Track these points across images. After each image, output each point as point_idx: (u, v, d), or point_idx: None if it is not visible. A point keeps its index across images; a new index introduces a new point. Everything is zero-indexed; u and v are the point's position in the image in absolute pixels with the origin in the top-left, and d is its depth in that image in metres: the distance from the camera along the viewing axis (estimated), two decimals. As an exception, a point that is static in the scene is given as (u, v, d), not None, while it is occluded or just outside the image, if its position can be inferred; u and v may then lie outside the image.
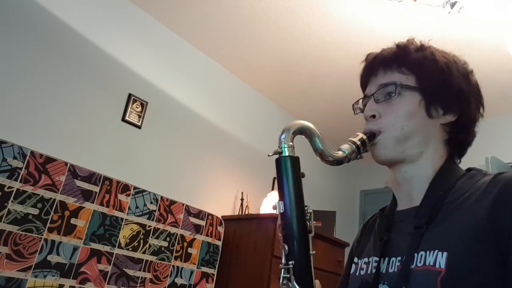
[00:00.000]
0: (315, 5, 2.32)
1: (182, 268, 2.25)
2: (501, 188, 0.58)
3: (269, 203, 2.75)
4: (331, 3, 2.28)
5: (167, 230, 2.22)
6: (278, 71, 3.03)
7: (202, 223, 2.40)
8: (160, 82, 2.60)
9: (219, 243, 2.46)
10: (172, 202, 2.28)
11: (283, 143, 0.65)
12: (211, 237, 2.43)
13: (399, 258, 0.65)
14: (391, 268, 0.65)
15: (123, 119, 2.34)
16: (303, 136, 0.67)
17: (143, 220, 2.12)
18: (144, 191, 2.16)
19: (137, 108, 2.41)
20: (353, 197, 4.22)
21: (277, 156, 0.65)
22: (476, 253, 0.55)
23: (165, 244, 2.20)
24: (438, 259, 0.57)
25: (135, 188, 2.12)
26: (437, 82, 0.70)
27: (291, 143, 0.65)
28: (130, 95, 2.39)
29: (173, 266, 2.21)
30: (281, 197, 0.63)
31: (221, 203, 2.81)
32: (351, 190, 4.18)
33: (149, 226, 2.14)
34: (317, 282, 0.67)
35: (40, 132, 1.98)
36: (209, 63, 2.97)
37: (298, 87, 3.22)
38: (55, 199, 1.81)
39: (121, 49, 2.41)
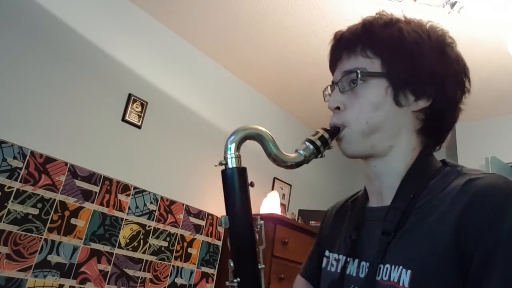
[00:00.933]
0: (315, 5, 2.32)
1: (182, 268, 2.25)
2: (467, 204, 0.52)
3: (269, 203, 2.75)
4: (331, 3, 2.28)
5: (167, 230, 2.22)
6: (278, 72, 3.04)
7: (202, 223, 2.40)
8: (160, 82, 2.60)
9: (219, 243, 2.46)
10: (172, 202, 2.28)
11: (228, 153, 0.61)
12: (211, 237, 2.43)
13: (365, 263, 0.62)
14: (361, 273, 0.62)
15: (123, 119, 2.34)
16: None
17: (143, 220, 2.12)
18: (144, 191, 2.16)
19: (137, 108, 2.41)
20: (353, 197, 4.21)
21: (222, 167, 0.61)
22: (441, 274, 0.51)
23: (165, 244, 2.20)
24: (402, 276, 0.53)
25: (135, 188, 2.12)
26: (404, 65, 0.62)
27: (237, 153, 0.61)
28: (130, 95, 2.39)
29: (173, 266, 2.21)
30: (227, 211, 0.59)
31: (221, 203, 2.80)
32: (351, 190, 4.17)
33: (149, 226, 2.14)
34: None
35: (40, 132, 1.98)
36: (209, 63, 2.97)
37: (298, 87, 3.22)
38: (55, 199, 1.81)
39: (121, 49, 2.41)
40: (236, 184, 0.60)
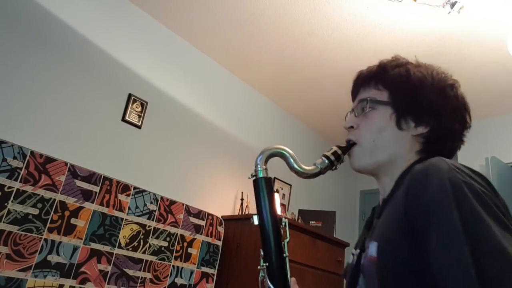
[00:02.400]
0: (315, 5, 2.32)
1: (182, 268, 2.25)
2: (408, 181, 0.63)
3: (269, 203, 2.75)
4: (331, 3, 2.28)
5: (167, 230, 2.22)
6: (278, 71, 3.03)
7: (202, 223, 2.40)
8: (160, 82, 2.60)
9: (219, 243, 2.46)
10: (172, 202, 2.28)
11: (258, 166, 0.78)
12: (211, 237, 2.43)
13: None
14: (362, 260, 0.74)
15: (123, 119, 2.34)
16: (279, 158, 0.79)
17: (143, 220, 2.12)
18: (144, 191, 2.16)
19: (137, 108, 2.41)
20: (353, 197, 4.22)
21: (254, 178, 0.78)
22: (399, 242, 0.60)
23: (165, 244, 2.20)
24: (373, 249, 0.64)
25: (135, 188, 2.12)
26: (407, 96, 0.75)
27: (264, 166, 0.78)
28: (130, 95, 2.39)
29: (173, 266, 2.21)
30: (258, 211, 0.76)
31: (221, 203, 2.81)
32: (351, 190, 4.18)
33: (149, 226, 2.14)
34: (292, 280, 0.75)
35: (40, 132, 1.98)
36: (209, 63, 2.97)
37: (298, 87, 3.22)
38: (55, 199, 1.81)
39: (121, 49, 2.41)
40: (264, 191, 0.77)
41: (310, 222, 3.10)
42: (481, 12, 2.17)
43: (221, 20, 2.55)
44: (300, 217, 3.17)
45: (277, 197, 2.85)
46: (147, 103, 2.47)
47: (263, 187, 0.77)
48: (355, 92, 0.86)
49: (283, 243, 0.74)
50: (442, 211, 0.55)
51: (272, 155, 0.79)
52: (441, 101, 0.75)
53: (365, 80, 0.82)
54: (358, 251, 0.78)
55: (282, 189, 3.29)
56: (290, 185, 3.40)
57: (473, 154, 3.13)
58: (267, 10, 2.42)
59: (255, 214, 0.76)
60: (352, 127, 0.80)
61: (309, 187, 3.61)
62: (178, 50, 2.76)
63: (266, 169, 0.79)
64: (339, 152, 0.78)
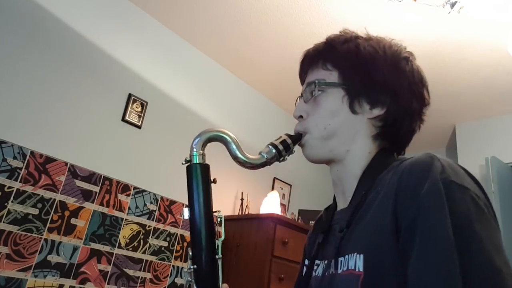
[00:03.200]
0: (315, 5, 2.32)
1: (182, 268, 2.25)
2: (397, 181, 0.55)
3: (269, 203, 2.75)
4: (331, 3, 2.28)
5: (167, 230, 2.22)
6: (278, 71, 3.04)
7: (202, 223, 2.41)
8: (160, 82, 2.60)
9: (219, 243, 2.46)
10: (172, 202, 2.28)
11: (194, 150, 0.68)
12: (211, 237, 2.43)
13: (326, 262, 0.65)
14: (319, 273, 0.66)
15: (123, 119, 2.34)
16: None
17: (143, 220, 2.12)
18: (144, 191, 2.16)
19: (137, 108, 2.41)
20: (353, 197, 4.21)
21: (187, 163, 0.68)
22: (388, 252, 0.52)
23: (165, 244, 2.20)
24: (357, 262, 0.56)
25: (135, 188, 2.12)
26: (359, 76, 0.67)
27: (201, 151, 0.68)
28: (130, 95, 2.39)
29: (173, 266, 2.21)
30: (189, 203, 0.66)
31: (221, 203, 2.81)
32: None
33: (149, 226, 2.14)
34: (224, 286, 0.67)
35: (40, 132, 1.98)
36: (209, 63, 2.97)
37: (298, 88, 3.22)
38: (55, 199, 1.81)
39: (121, 49, 2.41)
40: (198, 179, 0.67)
41: (310, 222, 3.10)
42: (481, 12, 2.17)
43: (221, 20, 2.55)
44: (300, 217, 3.17)
45: (276, 197, 2.85)
46: (147, 103, 2.47)
47: (198, 175, 0.67)
48: (303, 75, 0.77)
49: (216, 242, 0.64)
50: (431, 214, 0.48)
51: (210, 139, 0.69)
52: (396, 78, 0.67)
53: (312, 60, 0.74)
54: (321, 262, 0.69)
55: (282, 189, 3.29)
56: (290, 185, 3.40)
57: (473, 154, 3.13)
58: (267, 10, 2.42)
59: (187, 206, 0.66)
60: (301, 116, 0.72)
61: (309, 187, 3.61)
62: (178, 50, 2.76)
63: (203, 155, 0.68)
64: (289, 141, 0.69)
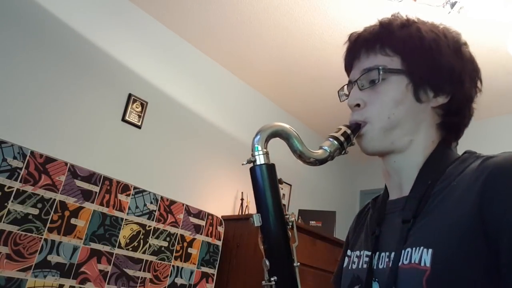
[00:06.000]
0: (315, 5, 2.32)
1: (182, 268, 2.25)
2: (487, 178, 0.52)
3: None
4: (331, 3, 2.28)
5: (167, 230, 2.22)
6: (278, 72, 3.03)
7: (202, 223, 2.40)
8: (160, 82, 2.60)
9: (219, 243, 2.46)
10: (172, 202, 2.28)
11: (257, 149, 0.60)
12: (211, 237, 2.43)
13: (387, 253, 0.61)
14: (381, 264, 0.62)
15: (123, 119, 2.34)
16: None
17: (143, 220, 2.12)
18: (144, 191, 2.16)
19: (137, 108, 2.41)
20: (353, 197, 4.22)
21: (251, 165, 0.60)
22: (464, 250, 0.50)
23: (165, 244, 2.20)
24: (424, 256, 0.53)
25: (135, 188, 2.12)
26: (424, 63, 0.64)
27: (265, 149, 0.60)
28: (130, 95, 2.39)
29: (173, 266, 2.21)
30: (258, 209, 0.58)
31: (221, 203, 2.81)
32: (351, 190, 4.18)
33: (149, 226, 2.14)
34: None
35: (40, 132, 1.98)
36: (209, 63, 2.97)
37: (299, 87, 3.22)
38: (55, 199, 1.81)
39: (121, 49, 2.41)
40: (266, 181, 0.58)
41: (310, 222, 3.10)
42: (481, 12, 2.17)
43: (221, 20, 2.55)
44: (300, 217, 3.17)
45: (277, 197, 2.85)
46: (147, 103, 2.47)
47: (265, 176, 0.58)
48: (352, 59, 0.71)
49: (292, 249, 0.57)
50: None
51: (273, 134, 0.61)
52: (459, 64, 0.64)
53: (367, 44, 0.68)
54: (364, 252, 0.68)
55: (282, 189, 3.28)
56: (290, 185, 3.40)
57: (473, 154, 3.13)
58: (267, 10, 2.42)
59: (254, 214, 0.59)
60: (358, 105, 0.66)
61: (309, 187, 3.61)
62: (178, 50, 2.76)
63: (267, 153, 0.60)
64: (349, 132, 0.64)
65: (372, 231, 0.68)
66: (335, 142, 0.63)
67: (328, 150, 0.62)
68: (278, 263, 0.56)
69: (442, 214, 0.55)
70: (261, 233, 0.58)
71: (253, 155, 0.60)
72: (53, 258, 1.76)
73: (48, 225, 1.76)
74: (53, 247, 1.77)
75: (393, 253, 0.59)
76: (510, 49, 2.20)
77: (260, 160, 0.59)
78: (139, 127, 2.41)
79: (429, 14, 2.21)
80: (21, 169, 1.73)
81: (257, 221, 0.58)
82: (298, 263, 0.57)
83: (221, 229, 2.49)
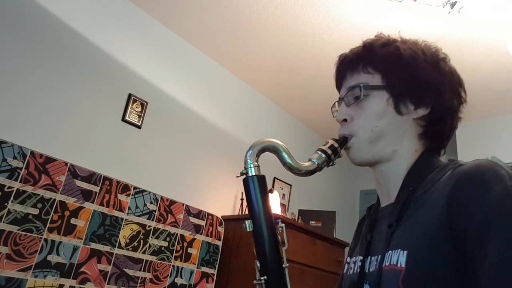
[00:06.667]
0: (315, 5, 2.32)
1: (182, 268, 2.25)
2: (454, 184, 0.56)
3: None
4: (331, 3, 2.28)
5: (167, 230, 2.22)
6: (278, 71, 3.04)
7: (202, 223, 2.40)
8: (160, 82, 2.60)
9: (219, 243, 2.46)
10: (172, 202, 2.28)
11: (249, 162, 0.68)
12: (211, 237, 2.43)
13: (376, 257, 0.66)
14: (371, 268, 0.67)
15: (123, 119, 2.34)
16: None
17: (143, 220, 2.12)
18: (144, 191, 2.16)
19: (137, 108, 2.41)
20: (353, 197, 4.22)
21: (244, 176, 0.68)
22: (435, 251, 0.54)
23: (165, 244, 2.20)
24: (400, 258, 0.57)
25: (135, 188, 2.12)
26: (403, 77, 0.69)
27: (256, 163, 0.68)
28: (130, 95, 2.39)
29: (173, 266, 2.21)
30: (250, 215, 0.66)
31: (221, 203, 2.81)
32: (351, 190, 4.18)
33: (149, 226, 2.14)
34: None
35: (40, 132, 1.98)
36: (209, 63, 2.97)
37: (299, 88, 3.22)
38: (55, 199, 1.81)
39: (121, 49, 2.41)
40: (257, 191, 0.66)
41: (310, 222, 3.11)
42: (481, 12, 2.17)
43: (221, 20, 2.55)
44: (300, 217, 3.17)
45: (276, 197, 2.85)
46: (147, 103, 2.47)
47: (256, 186, 0.66)
48: (340, 79, 0.78)
49: (280, 251, 0.64)
50: (510, 218, 0.49)
51: (263, 149, 0.69)
52: (438, 77, 0.70)
53: (351, 64, 0.74)
54: (358, 258, 0.72)
55: (282, 189, 3.29)
56: (290, 185, 3.40)
57: (473, 154, 3.13)
58: (267, 10, 2.42)
59: (247, 219, 0.67)
60: (345, 120, 0.72)
61: (309, 187, 3.61)
62: (178, 50, 2.76)
63: (258, 166, 0.68)
64: (336, 145, 0.70)
65: (365, 237, 0.73)
66: (323, 155, 0.69)
67: (316, 162, 0.69)
68: (268, 264, 0.63)
69: (419, 218, 0.60)
70: (253, 237, 0.65)
71: (245, 168, 0.68)
72: (53, 258, 1.76)
73: (48, 225, 1.76)
74: (53, 247, 1.77)
75: (379, 256, 0.64)
76: (510, 49, 2.20)
77: (252, 172, 0.68)
78: (139, 127, 2.41)
79: (429, 14, 2.21)
80: (21, 169, 1.73)
81: (249, 226, 0.66)
82: (287, 264, 0.64)
83: (221, 229, 2.49)
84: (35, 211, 1.74)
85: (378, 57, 0.71)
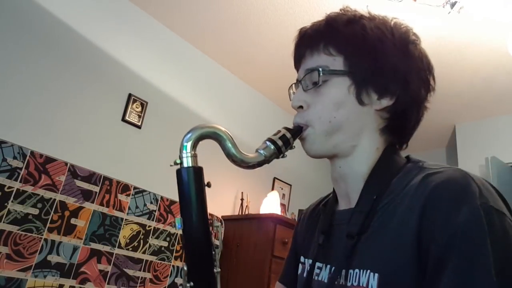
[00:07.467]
0: (315, 5, 2.32)
1: (182, 268, 2.25)
2: (426, 200, 0.51)
3: (269, 203, 2.75)
4: (331, 3, 2.28)
5: (167, 230, 2.22)
6: (278, 71, 3.03)
7: (202, 223, 2.40)
8: (160, 82, 2.60)
9: (219, 243, 2.46)
10: (172, 202, 2.28)
11: (184, 151, 0.57)
12: (211, 237, 2.43)
13: (329, 267, 0.62)
14: (322, 277, 0.63)
15: (123, 119, 2.34)
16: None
17: (143, 220, 2.12)
18: (144, 191, 2.16)
19: (137, 108, 2.41)
20: (353, 197, 4.21)
21: (178, 166, 0.57)
22: (408, 275, 0.50)
23: (165, 244, 2.20)
24: (370, 281, 0.53)
25: (135, 188, 2.12)
26: (367, 63, 0.61)
27: (193, 152, 0.58)
28: (130, 95, 2.39)
29: (173, 266, 2.21)
30: (181, 212, 0.56)
31: (221, 203, 2.81)
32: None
33: (149, 226, 2.14)
34: None
35: (40, 132, 1.98)
36: (209, 63, 2.97)
37: (298, 87, 3.22)
38: (55, 199, 1.81)
39: (121, 49, 2.41)
40: (191, 184, 0.57)
41: (310, 222, 3.10)
42: (481, 12, 2.17)
43: (221, 20, 2.55)
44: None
45: (276, 197, 2.85)
46: (147, 103, 2.47)
47: (191, 180, 0.56)
48: (299, 58, 0.68)
49: (213, 254, 0.56)
50: (473, 243, 0.46)
51: (203, 136, 0.59)
52: (406, 64, 0.61)
53: (311, 42, 0.65)
54: (323, 265, 0.65)
55: (282, 189, 3.29)
56: (290, 185, 3.40)
57: (473, 154, 3.13)
58: (267, 10, 2.42)
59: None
60: (301, 106, 0.64)
61: (309, 187, 3.61)
62: (178, 50, 2.76)
63: (195, 156, 0.58)
64: (288, 135, 0.62)
65: (317, 238, 0.67)
66: (272, 146, 0.61)
67: (263, 154, 0.60)
68: (197, 268, 0.55)
69: (387, 235, 0.54)
70: (183, 237, 0.56)
71: (180, 157, 0.57)
72: (53, 258, 1.76)
73: (48, 225, 1.76)
74: (53, 247, 1.77)
75: (333, 268, 0.59)
76: (510, 49, 2.20)
77: (187, 162, 0.57)
78: (139, 127, 2.41)
79: (429, 14, 2.21)
80: (21, 169, 1.73)
81: (178, 224, 0.56)
82: (219, 269, 0.57)
83: (221, 229, 2.49)
84: (35, 211, 1.74)
85: (342, 37, 0.62)
